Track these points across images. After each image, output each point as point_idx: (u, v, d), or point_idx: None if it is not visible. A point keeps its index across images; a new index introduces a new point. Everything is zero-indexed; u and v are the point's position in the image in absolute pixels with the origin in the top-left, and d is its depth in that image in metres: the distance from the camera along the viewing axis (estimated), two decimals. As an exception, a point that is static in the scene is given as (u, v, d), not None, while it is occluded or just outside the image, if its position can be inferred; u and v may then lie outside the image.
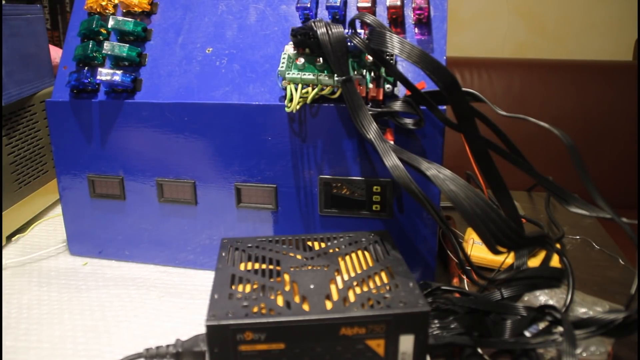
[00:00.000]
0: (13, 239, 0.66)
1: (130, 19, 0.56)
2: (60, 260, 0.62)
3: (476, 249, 0.56)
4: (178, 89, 0.54)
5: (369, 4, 0.51)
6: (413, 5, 0.51)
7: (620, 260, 0.59)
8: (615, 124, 1.48)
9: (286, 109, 0.48)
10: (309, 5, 0.52)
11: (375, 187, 0.51)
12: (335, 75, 0.47)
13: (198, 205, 0.56)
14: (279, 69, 0.49)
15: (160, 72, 0.55)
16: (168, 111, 0.53)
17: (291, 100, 0.48)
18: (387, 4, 0.51)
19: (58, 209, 0.73)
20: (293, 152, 0.51)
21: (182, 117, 0.53)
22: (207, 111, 0.52)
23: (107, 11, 0.58)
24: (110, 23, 0.56)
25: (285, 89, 0.49)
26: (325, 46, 0.47)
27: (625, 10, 1.72)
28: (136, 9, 0.57)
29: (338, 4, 0.51)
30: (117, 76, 0.54)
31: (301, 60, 0.49)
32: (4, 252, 0.63)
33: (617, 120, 1.47)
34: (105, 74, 0.54)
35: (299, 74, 0.49)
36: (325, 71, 0.48)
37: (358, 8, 0.51)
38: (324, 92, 0.49)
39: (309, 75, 0.48)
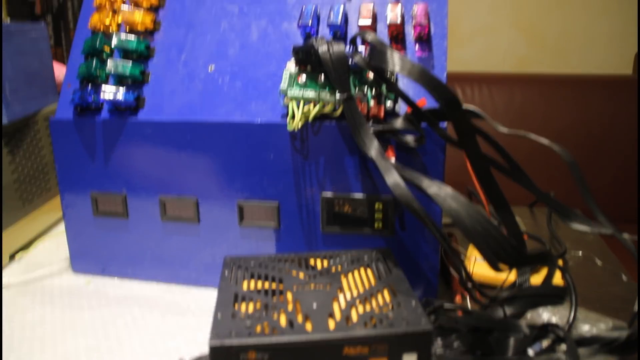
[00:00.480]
0: (16, 256, 0.66)
1: (133, 37, 0.56)
2: (63, 278, 0.62)
3: (478, 266, 0.56)
4: (181, 107, 0.54)
5: (369, 22, 0.51)
6: (413, 23, 0.51)
7: (623, 277, 0.59)
8: (616, 137, 1.48)
9: (288, 127, 0.48)
10: (310, 24, 0.52)
11: (377, 204, 0.51)
12: (337, 92, 0.47)
13: (201, 223, 0.56)
14: (281, 86, 0.49)
15: (163, 90, 0.56)
16: (171, 129, 0.53)
17: (293, 117, 0.49)
18: (388, 21, 0.51)
19: (61, 226, 0.73)
20: (295, 170, 0.51)
21: (184, 135, 0.53)
22: (209, 129, 0.52)
23: (110, 29, 0.59)
24: (114, 41, 0.56)
25: (287, 106, 0.49)
26: (326, 64, 0.47)
27: (625, 24, 1.74)
28: (139, 27, 0.58)
29: (339, 23, 0.51)
30: (120, 94, 0.54)
31: (303, 77, 0.49)
32: (7, 270, 0.64)
33: (618, 133, 1.48)
34: (108, 92, 0.54)
35: (300, 91, 0.49)
36: (327, 88, 0.48)
37: (359, 26, 0.51)
38: (325, 110, 0.49)
39: (310, 93, 0.48)
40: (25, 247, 0.68)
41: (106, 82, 0.57)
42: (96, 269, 0.61)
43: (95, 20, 0.58)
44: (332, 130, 0.50)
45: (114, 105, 0.56)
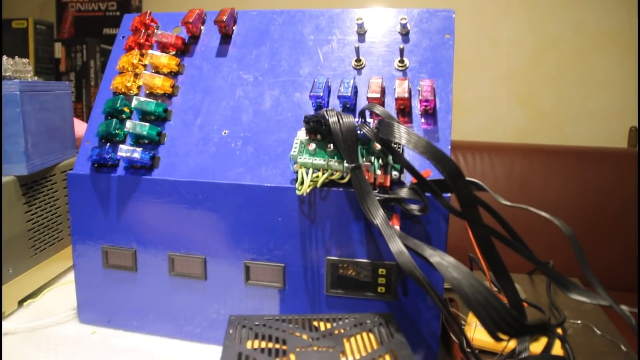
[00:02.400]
0: (25, 303, 0.68)
1: (152, 100, 0.59)
2: (69, 327, 0.63)
3: (478, 332, 0.56)
4: (194, 168, 0.57)
5: (378, 95, 0.54)
6: (420, 97, 0.54)
7: (622, 347, 0.59)
8: (613, 207, 1.54)
9: (297, 191, 0.50)
10: (321, 94, 0.55)
11: (380, 269, 0.52)
12: (345, 161, 0.50)
13: (207, 280, 0.57)
14: (292, 153, 0.52)
15: (178, 151, 0.58)
16: (183, 188, 0.56)
17: (302, 183, 0.51)
18: (396, 95, 0.54)
19: (70, 276, 0.74)
20: (302, 233, 0.53)
21: (196, 195, 0.55)
22: (220, 190, 0.55)
23: (131, 92, 0.62)
24: (134, 103, 0.59)
25: (296, 172, 0.52)
26: (336, 134, 0.49)
27: (619, 100, 1.82)
28: (158, 91, 0.61)
29: (349, 94, 0.54)
30: (137, 153, 0.57)
31: (313, 145, 0.52)
32: (15, 316, 0.65)
33: (614, 203, 1.54)
34: (125, 150, 0.57)
35: (310, 158, 0.51)
36: (336, 157, 0.51)
37: (368, 98, 0.54)
38: (333, 177, 0.51)
39: (319, 161, 0.51)
40: (35, 294, 0.69)
41: (124, 142, 0.60)
42: (102, 320, 0.62)
43: (117, 82, 0.61)
44: (339, 196, 0.52)
45: (130, 163, 0.58)
